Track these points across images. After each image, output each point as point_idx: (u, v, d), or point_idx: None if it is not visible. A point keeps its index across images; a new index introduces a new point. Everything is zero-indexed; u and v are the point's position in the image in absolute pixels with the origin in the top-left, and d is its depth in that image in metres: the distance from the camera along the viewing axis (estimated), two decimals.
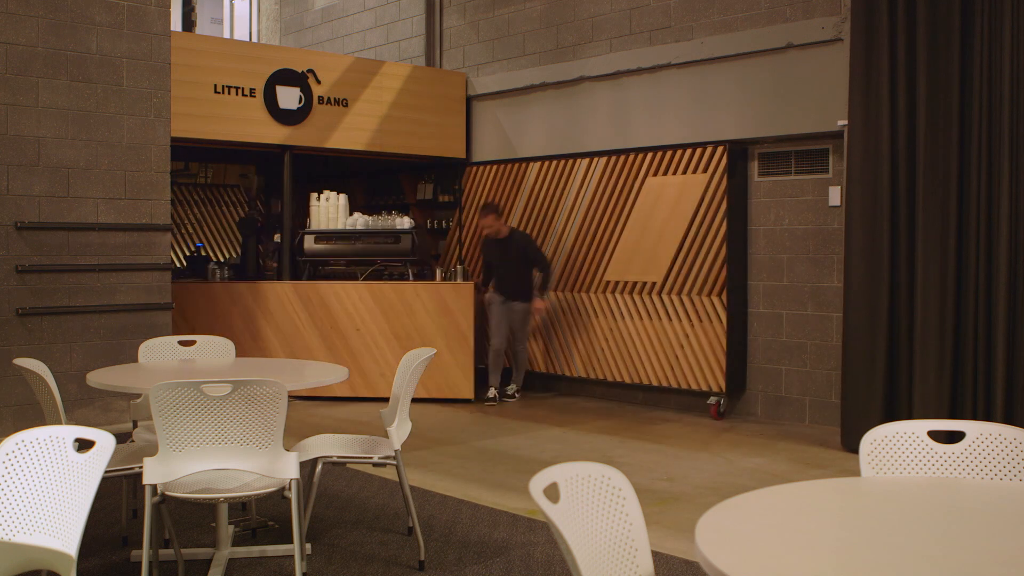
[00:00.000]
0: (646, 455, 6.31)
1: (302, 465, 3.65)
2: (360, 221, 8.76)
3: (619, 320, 8.30)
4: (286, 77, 8.63)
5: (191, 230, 12.76)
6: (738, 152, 7.66)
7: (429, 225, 10.96)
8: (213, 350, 4.97)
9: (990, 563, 1.87)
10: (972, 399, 5.90)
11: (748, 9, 7.58)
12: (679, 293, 7.83)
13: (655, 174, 8.10)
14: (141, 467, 3.43)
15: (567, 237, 8.78)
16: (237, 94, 8.36)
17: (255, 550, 4.21)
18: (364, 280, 8.54)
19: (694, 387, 7.76)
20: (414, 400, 4.73)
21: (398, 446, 4.11)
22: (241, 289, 8.66)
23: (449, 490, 5.37)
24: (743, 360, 7.72)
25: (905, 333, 6.20)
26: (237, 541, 4.37)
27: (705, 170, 7.73)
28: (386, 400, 7.69)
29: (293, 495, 3.44)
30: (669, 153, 8.02)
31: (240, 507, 4.76)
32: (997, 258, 5.80)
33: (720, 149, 7.64)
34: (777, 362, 7.51)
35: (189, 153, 10.78)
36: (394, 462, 4.11)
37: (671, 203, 7.93)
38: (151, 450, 3.64)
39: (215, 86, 8.23)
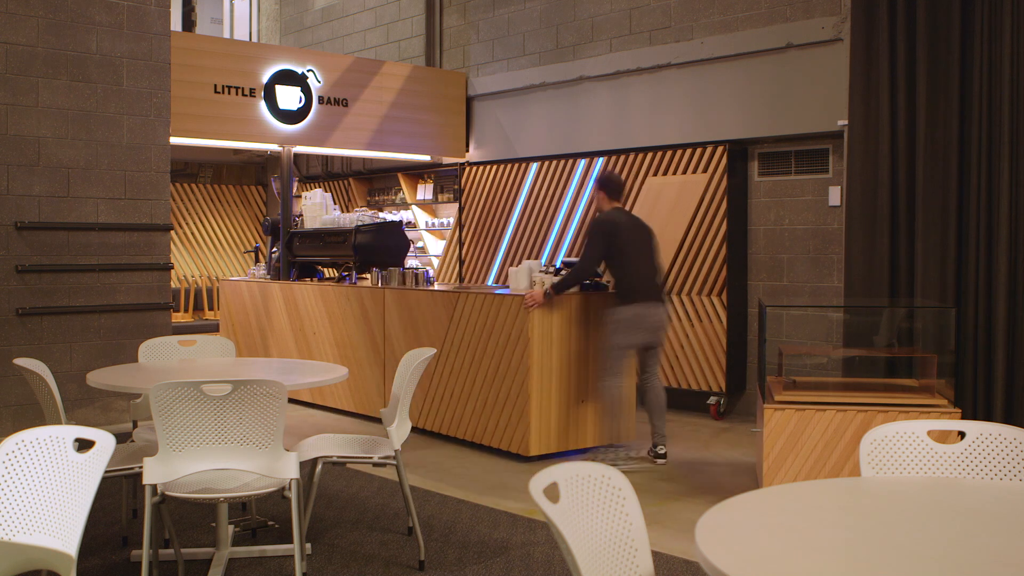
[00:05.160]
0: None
1: (302, 465, 3.65)
2: (335, 219, 8.40)
3: None
4: (286, 77, 8.64)
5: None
6: (738, 152, 7.66)
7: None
8: (213, 350, 4.97)
9: (990, 563, 1.87)
10: (972, 399, 5.90)
11: (748, 9, 7.59)
12: (679, 293, 7.83)
13: (655, 174, 8.11)
14: (141, 467, 3.43)
15: (567, 237, 8.78)
16: (237, 94, 8.37)
17: (255, 550, 4.21)
18: (316, 282, 8.16)
19: (694, 387, 7.76)
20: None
21: (398, 446, 4.10)
22: (253, 289, 8.67)
23: (449, 490, 5.37)
24: (743, 360, 7.72)
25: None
26: (237, 541, 4.37)
27: (705, 170, 7.73)
28: (342, 412, 7.76)
29: (293, 495, 3.44)
30: (669, 153, 8.02)
31: (240, 507, 4.76)
32: (997, 258, 5.80)
33: (720, 149, 7.64)
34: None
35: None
36: (394, 462, 4.11)
37: (671, 203, 7.93)
38: (151, 450, 3.65)
39: (215, 86, 8.24)
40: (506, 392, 6.14)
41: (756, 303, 7.63)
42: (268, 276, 8.79)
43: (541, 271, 6.42)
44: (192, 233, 12.65)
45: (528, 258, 9.05)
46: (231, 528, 4.33)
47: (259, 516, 4.69)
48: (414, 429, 6.92)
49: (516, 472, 5.80)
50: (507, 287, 6.78)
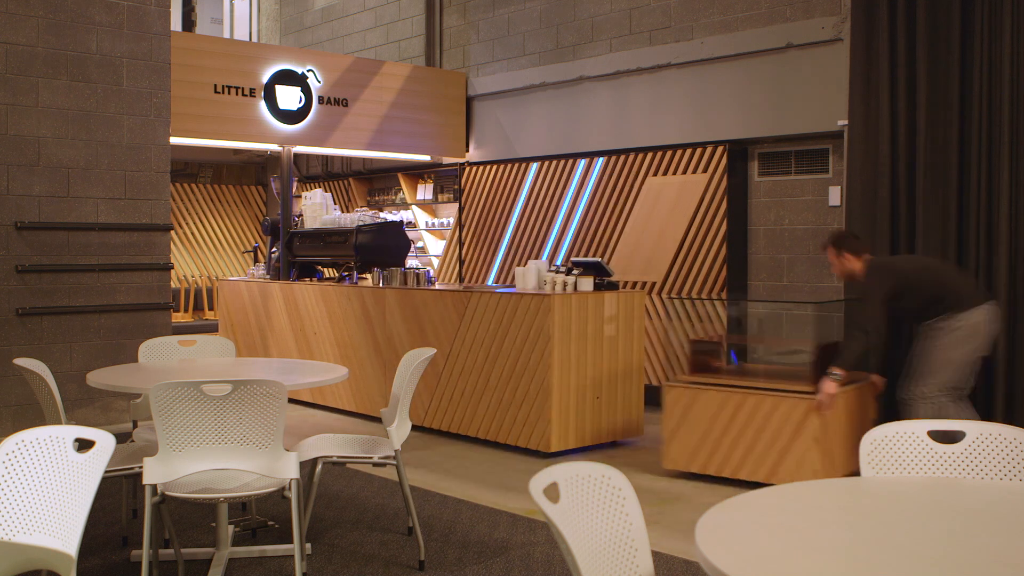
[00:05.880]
0: (646, 455, 6.30)
1: (302, 465, 3.65)
2: (335, 219, 8.36)
3: None
4: (286, 77, 8.63)
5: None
6: (738, 152, 7.66)
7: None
8: (213, 350, 4.97)
9: (990, 563, 1.87)
10: (972, 399, 5.89)
11: (748, 9, 7.59)
12: (679, 293, 7.83)
13: (655, 174, 8.11)
14: (141, 467, 3.43)
15: (567, 237, 8.78)
16: (237, 94, 8.36)
17: (255, 550, 4.21)
18: (316, 282, 8.13)
19: None
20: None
21: (398, 446, 4.10)
22: (253, 289, 8.67)
23: (449, 490, 5.37)
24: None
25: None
26: (237, 541, 4.37)
27: (705, 170, 7.73)
28: (342, 412, 7.76)
29: (293, 495, 3.44)
30: (669, 153, 8.02)
31: (240, 507, 4.76)
32: (997, 258, 5.80)
33: (720, 149, 7.64)
34: None
35: None
36: (394, 462, 4.11)
37: (671, 203, 7.93)
38: (151, 450, 3.65)
39: (215, 86, 8.24)
40: (524, 389, 6.18)
41: (755, 303, 7.64)
42: (267, 276, 8.80)
43: (551, 271, 6.48)
44: (192, 233, 12.65)
45: (529, 258, 9.06)
46: (231, 528, 4.33)
47: (259, 516, 4.69)
48: (419, 428, 6.93)
49: (519, 471, 5.80)
50: (511, 287, 6.80)
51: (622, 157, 8.36)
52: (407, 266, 8.28)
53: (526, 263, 7.91)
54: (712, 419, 5.46)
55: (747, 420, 5.35)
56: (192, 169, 12.67)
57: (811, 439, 5.12)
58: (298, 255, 8.56)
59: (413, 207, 11.02)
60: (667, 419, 5.62)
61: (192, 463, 3.37)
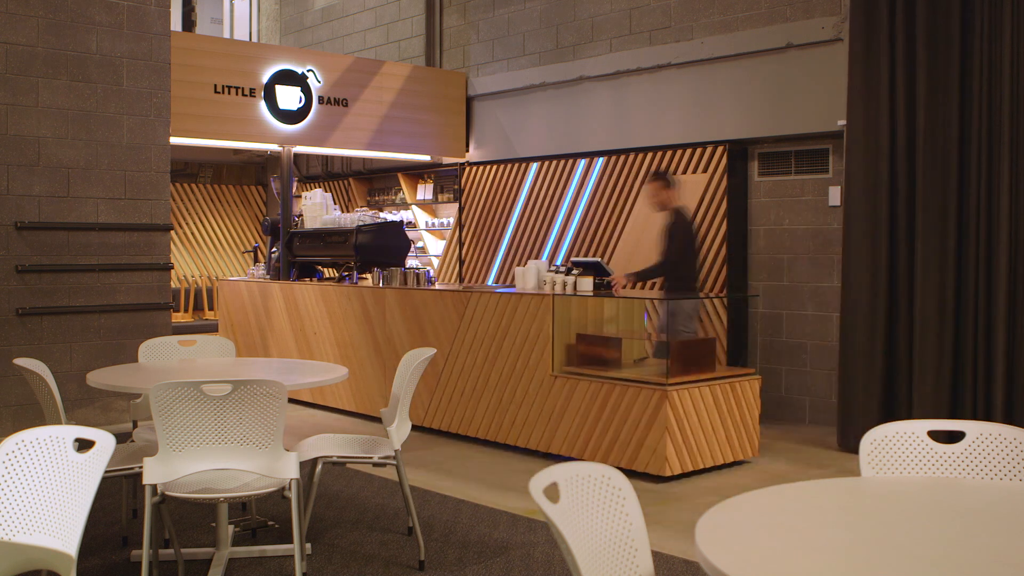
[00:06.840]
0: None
1: (302, 465, 3.65)
2: (335, 219, 8.36)
3: None
4: (286, 77, 8.64)
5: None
6: (738, 152, 7.66)
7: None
8: (213, 350, 4.97)
9: (990, 563, 1.87)
10: (972, 399, 5.90)
11: (748, 9, 7.59)
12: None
13: None
14: (141, 467, 3.43)
15: (567, 237, 8.78)
16: (237, 94, 8.37)
17: (255, 550, 4.21)
18: (316, 282, 8.12)
19: None
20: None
21: (398, 446, 4.11)
22: (253, 289, 8.67)
23: (449, 490, 5.37)
24: (743, 359, 7.71)
25: (904, 333, 6.19)
26: (237, 541, 4.37)
27: (705, 170, 7.73)
28: (342, 412, 7.77)
29: (293, 495, 3.44)
30: (669, 153, 8.02)
31: (240, 507, 4.76)
32: (997, 257, 5.80)
33: (720, 149, 7.64)
34: (777, 362, 7.51)
35: None
36: (394, 462, 4.11)
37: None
38: (151, 450, 3.65)
39: (215, 86, 8.24)
40: (524, 389, 6.18)
41: (756, 303, 7.64)
42: (267, 276, 8.79)
43: (550, 271, 6.48)
44: (192, 233, 12.65)
45: (529, 258, 9.06)
46: (231, 528, 4.33)
47: (259, 516, 4.69)
48: (419, 428, 6.93)
49: (519, 471, 5.80)
50: (511, 287, 6.80)
51: (622, 157, 8.36)
52: (407, 266, 8.28)
53: (526, 263, 7.91)
54: (588, 407, 5.83)
55: (613, 409, 5.71)
56: (192, 169, 12.67)
57: (662, 429, 5.48)
58: (298, 255, 8.55)
59: (413, 207, 11.02)
60: (551, 406, 6.02)
61: (192, 463, 3.37)
